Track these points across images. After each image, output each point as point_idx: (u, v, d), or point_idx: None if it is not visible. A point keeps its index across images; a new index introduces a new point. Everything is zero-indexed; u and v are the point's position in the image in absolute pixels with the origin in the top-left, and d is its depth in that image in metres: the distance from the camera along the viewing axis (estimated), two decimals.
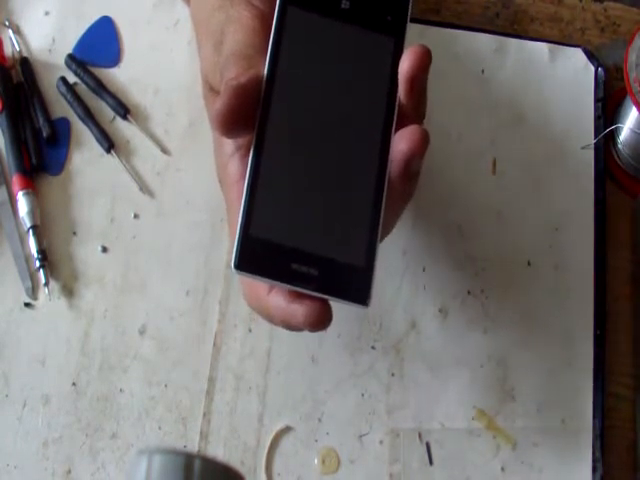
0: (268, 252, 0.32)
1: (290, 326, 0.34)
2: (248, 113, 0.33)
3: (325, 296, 0.32)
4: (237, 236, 0.31)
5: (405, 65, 0.33)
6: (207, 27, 0.40)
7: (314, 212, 0.33)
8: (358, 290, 0.32)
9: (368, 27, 0.35)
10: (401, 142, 0.33)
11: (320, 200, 0.33)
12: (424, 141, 0.33)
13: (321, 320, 0.32)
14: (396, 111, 0.34)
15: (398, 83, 0.35)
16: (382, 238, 0.35)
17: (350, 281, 0.32)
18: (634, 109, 0.48)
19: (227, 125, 0.33)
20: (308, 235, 0.32)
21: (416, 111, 0.35)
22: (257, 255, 0.32)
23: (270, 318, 0.35)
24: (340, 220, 0.33)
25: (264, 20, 0.36)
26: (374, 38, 0.35)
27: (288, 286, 0.32)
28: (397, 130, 0.34)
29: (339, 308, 0.48)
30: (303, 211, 0.33)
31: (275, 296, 0.34)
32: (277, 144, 0.33)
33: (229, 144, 0.36)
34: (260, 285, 0.34)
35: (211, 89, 0.40)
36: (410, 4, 0.36)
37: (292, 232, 0.32)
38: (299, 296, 0.33)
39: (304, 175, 0.33)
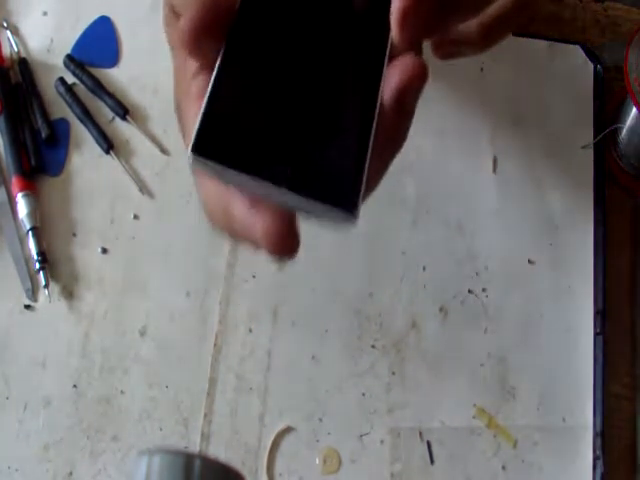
0: (235, 136, 0.25)
1: (249, 241, 0.28)
2: (219, 26, 0.28)
3: (299, 200, 0.25)
4: (202, 110, 0.25)
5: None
6: None
7: (294, 96, 0.26)
8: (343, 195, 0.25)
9: None
10: (394, 73, 0.28)
11: (300, 99, 0.27)
12: (420, 73, 0.28)
13: (284, 240, 0.26)
14: (391, 38, 0.29)
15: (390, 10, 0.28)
16: (371, 187, 0.29)
17: (333, 183, 0.25)
18: (634, 109, 0.48)
19: (196, 40, 0.28)
20: (285, 120, 0.26)
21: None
22: (222, 138, 0.25)
23: (227, 228, 0.29)
24: (328, 111, 0.27)
25: None
26: None
27: (255, 179, 0.25)
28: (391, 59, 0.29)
29: (339, 307, 0.48)
30: (280, 93, 0.26)
31: (238, 200, 0.27)
32: (253, 47, 0.27)
33: (196, 85, 0.30)
34: (222, 185, 0.28)
35: (173, 10, 0.35)
36: None
37: (265, 114, 0.26)
38: (262, 206, 0.26)
39: (283, 76, 0.27)
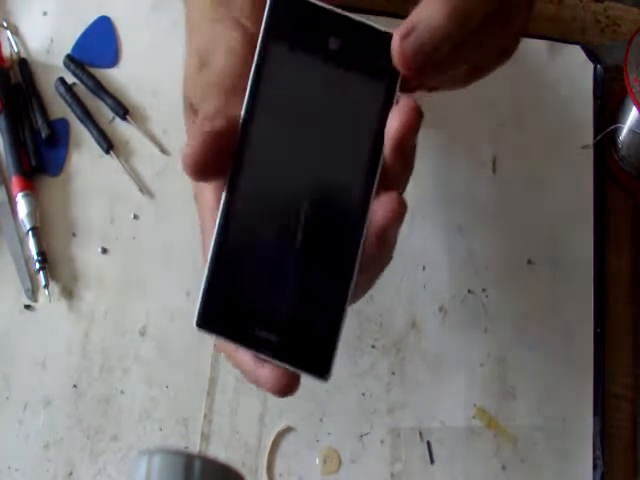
0: (230, 312, 0.31)
1: (257, 385, 0.33)
2: (221, 158, 0.31)
3: (282, 364, 0.31)
4: (201, 293, 0.31)
5: (393, 124, 0.30)
6: (194, 38, 0.37)
7: (281, 276, 0.31)
8: (318, 362, 0.31)
9: (357, 72, 0.31)
10: (377, 210, 0.31)
11: (289, 263, 0.31)
12: (400, 212, 0.31)
13: (286, 389, 0.31)
14: (379, 172, 0.32)
15: (384, 140, 0.31)
16: (355, 300, 0.33)
17: (311, 351, 0.31)
18: (634, 109, 0.48)
19: (197, 170, 0.31)
20: (272, 299, 0.31)
21: (401, 174, 0.32)
22: (219, 314, 0.31)
23: (239, 370, 0.34)
24: (307, 286, 0.31)
25: (252, 45, 0.33)
26: (363, 85, 0.31)
27: (247, 350, 0.31)
28: (378, 193, 0.32)
29: None
30: (270, 274, 0.31)
31: (243, 354, 0.32)
32: (249, 199, 0.31)
33: (211, 196, 0.33)
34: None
35: (190, 107, 0.37)
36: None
37: (256, 294, 0.31)
38: (264, 360, 0.32)
39: (275, 235, 0.31)
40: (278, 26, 0.31)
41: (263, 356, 0.31)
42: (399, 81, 0.32)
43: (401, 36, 0.30)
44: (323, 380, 0.31)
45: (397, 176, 0.32)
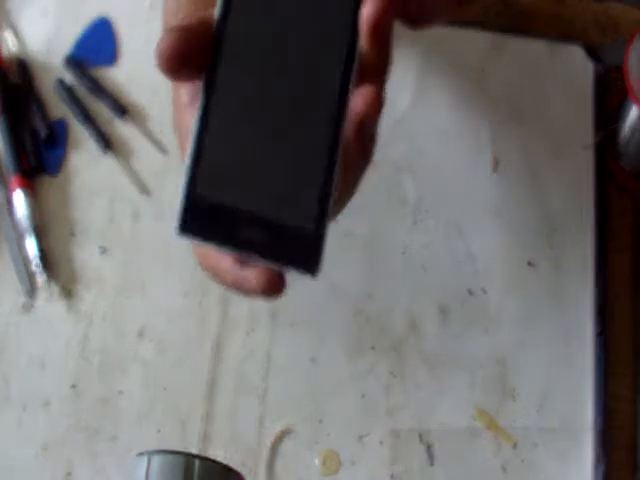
0: (213, 214, 0.29)
1: (241, 291, 0.32)
2: (196, 57, 0.31)
3: (270, 263, 0.30)
4: (181, 196, 0.29)
5: (367, 10, 0.31)
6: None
7: (264, 171, 0.30)
8: (307, 258, 0.29)
9: None
10: (355, 102, 0.31)
11: (271, 158, 0.30)
12: (378, 104, 0.31)
13: (274, 287, 0.30)
14: (356, 63, 0.32)
15: (359, 31, 0.32)
16: (339, 207, 0.33)
17: (298, 247, 0.30)
18: (634, 109, 0.48)
19: (170, 67, 0.30)
20: (255, 196, 0.30)
21: (380, 61, 0.32)
22: (202, 217, 0.29)
23: (221, 280, 0.33)
24: (291, 181, 0.30)
25: None
26: None
27: (232, 251, 0.30)
28: (357, 83, 0.32)
29: (339, 308, 0.48)
30: (251, 170, 0.30)
31: (225, 258, 0.32)
32: (227, 96, 0.31)
33: (186, 93, 0.33)
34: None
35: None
36: None
37: (238, 192, 0.30)
38: (251, 260, 0.30)
39: (255, 130, 0.31)
40: None
41: (249, 256, 0.30)
42: None
43: None
44: (312, 276, 0.29)
45: (376, 67, 0.32)
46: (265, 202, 0.30)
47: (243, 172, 0.30)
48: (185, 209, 0.29)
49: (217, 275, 0.33)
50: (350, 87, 0.31)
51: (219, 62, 0.31)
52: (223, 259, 0.32)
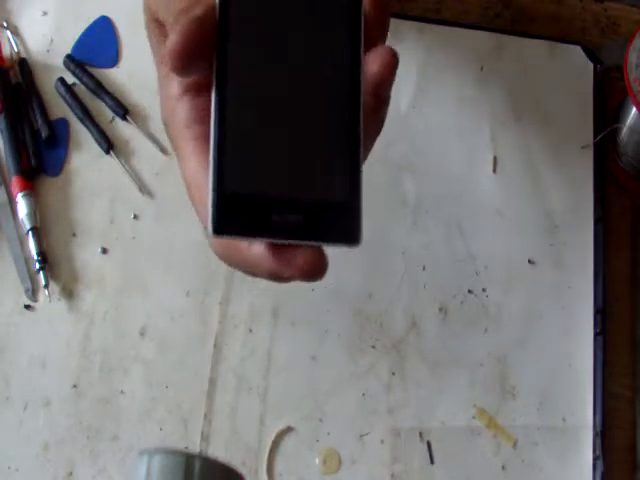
0: (246, 207, 0.28)
1: (280, 278, 0.31)
2: (204, 48, 0.30)
3: (313, 243, 0.29)
4: (211, 197, 0.28)
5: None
6: None
7: (289, 154, 0.30)
8: (347, 230, 0.29)
9: None
10: (371, 65, 0.30)
11: (295, 140, 0.30)
12: (394, 62, 0.30)
13: (318, 268, 0.29)
14: (362, 30, 0.31)
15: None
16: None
17: (337, 222, 0.29)
18: (634, 109, 0.48)
19: (183, 63, 0.29)
20: (285, 179, 0.29)
21: (381, 24, 0.32)
22: (235, 213, 0.28)
23: (253, 271, 0.31)
24: (318, 158, 0.30)
25: None
26: None
27: (272, 240, 0.29)
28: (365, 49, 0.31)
29: (339, 307, 0.48)
30: (276, 155, 0.29)
31: (256, 248, 0.30)
32: (239, 84, 0.30)
33: (176, 85, 0.32)
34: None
35: (155, 20, 0.35)
36: None
37: (268, 180, 0.29)
38: (287, 245, 0.29)
39: (273, 116, 0.30)
40: None
41: (291, 241, 0.29)
42: None
43: None
44: (356, 245, 0.29)
45: (380, 25, 0.32)
46: (297, 184, 0.29)
47: (269, 159, 0.29)
48: (217, 209, 0.28)
49: (249, 267, 0.31)
50: (361, 55, 0.31)
51: (227, 50, 0.30)
52: (253, 250, 0.30)
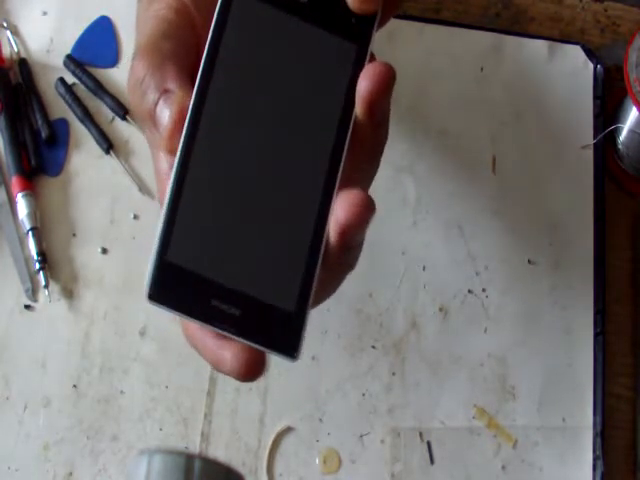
0: (185, 283, 0.27)
1: (219, 371, 0.29)
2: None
3: (246, 342, 0.27)
4: (151, 261, 0.27)
5: (363, 86, 0.28)
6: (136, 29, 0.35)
7: (242, 244, 0.28)
8: (285, 340, 0.27)
9: (328, 28, 0.29)
10: (339, 209, 0.27)
11: (251, 231, 0.28)
12: (366, 211, 0.27)
13: (251, 372, 0.27)
14: (349, 136, 0.29)
15: (355, 101, 0.29)
16: (318, 301, 0.30)
17: (276, 329, 0.27)
18: (634, 109, 0.48)
19: (174, 142, 0.29)
20: (233, 268, 0.27)
21: (375, 137, 0.30)
22: (174, 285, 0.27)
23: (201, 355, 0.30)
24: (272, 257, 0.28)
25: (180, 13, 0.31)
26: (333, 42, 0.29)
27: (205, 325, 0.27)
28: (352, 155, 0.29)
29: (339, 307, 0.48)
30: (230, 241, 0.28)
31: (203, 334, 0.29)
32: (206, 159, 0.28)
33: (165, 160, 0.30)
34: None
35: (140, 86, 0.33)
36: (379, 6, 0.30)
37: (214, 262, 0.27)
38: (228, 339, 0.28)
39: (234, 200, 0.28)
40: None
41: (224, 332, 0.27)
42: (372, 36, 0.30)
43: None
44: (292, 359, 0.27)
45: (370, 141, 0.30)
46: (242, 277, 0.28)
47: (220, 242, 0.28)
48: (155, 275, 0.27)
49: (197, 349, 0.30)
50: (341, 162, 0.29)
51: (199, 125, 0.28)
52: (204, 333, 0.29)
